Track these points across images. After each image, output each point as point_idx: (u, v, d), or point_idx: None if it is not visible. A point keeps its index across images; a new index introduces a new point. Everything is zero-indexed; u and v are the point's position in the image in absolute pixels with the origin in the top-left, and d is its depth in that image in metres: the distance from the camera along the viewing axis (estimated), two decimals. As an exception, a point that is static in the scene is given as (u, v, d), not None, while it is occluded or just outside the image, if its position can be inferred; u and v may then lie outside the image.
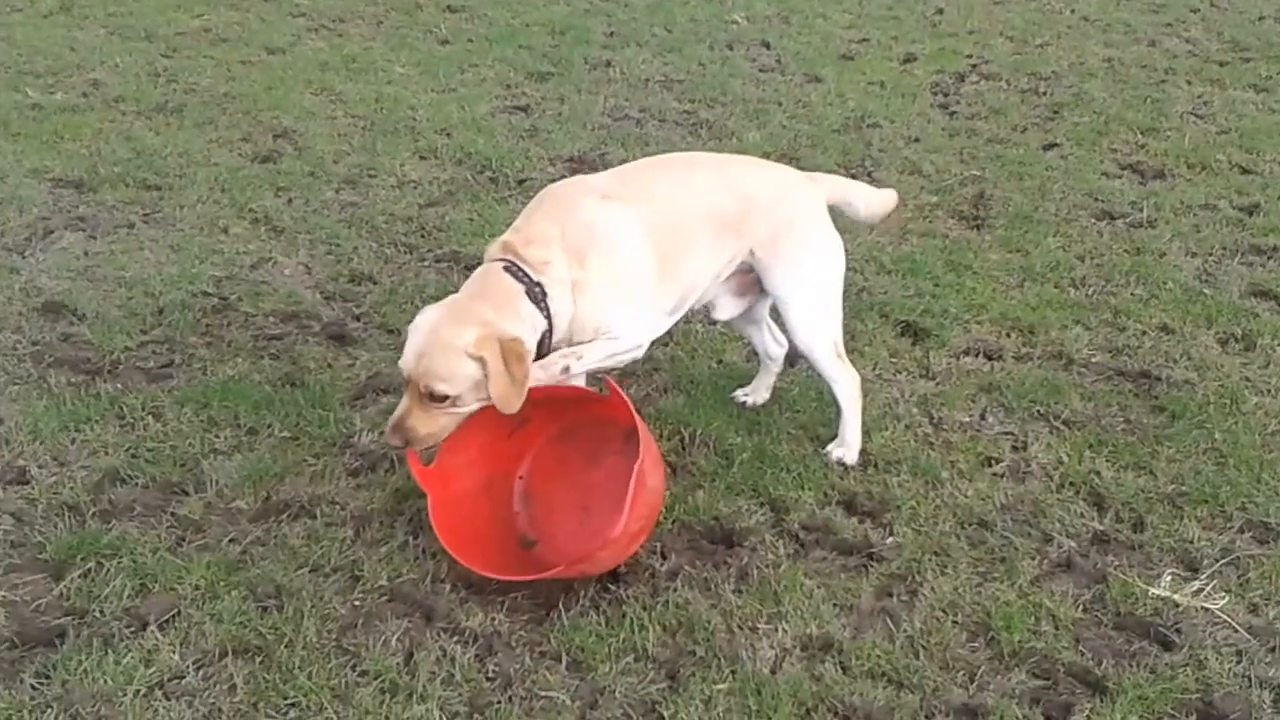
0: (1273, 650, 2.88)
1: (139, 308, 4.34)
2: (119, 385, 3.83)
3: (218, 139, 6.02)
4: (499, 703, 2.68)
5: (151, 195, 5.33)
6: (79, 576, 2.99)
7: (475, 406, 3.00)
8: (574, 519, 3.22)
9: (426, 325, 3.01)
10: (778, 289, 3.44)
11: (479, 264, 4.63)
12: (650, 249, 3.20)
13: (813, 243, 3.46)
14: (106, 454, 3.48)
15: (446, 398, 2.95)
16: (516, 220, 3.26)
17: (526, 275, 3.07)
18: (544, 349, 3.10)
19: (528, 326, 3.04)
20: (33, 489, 3.32)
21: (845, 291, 4.58)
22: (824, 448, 3.61)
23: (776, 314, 3.75)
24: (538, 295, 3.07)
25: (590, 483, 3.24)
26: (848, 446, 3.56)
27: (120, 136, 5.99)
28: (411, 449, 3.03)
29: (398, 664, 2.76)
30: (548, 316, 3.08)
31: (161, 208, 5.21)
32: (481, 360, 2.92)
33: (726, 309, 3.56)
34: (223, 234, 4.99)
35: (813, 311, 3.46)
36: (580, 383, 3.28)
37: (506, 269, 3.08)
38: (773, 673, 2.79)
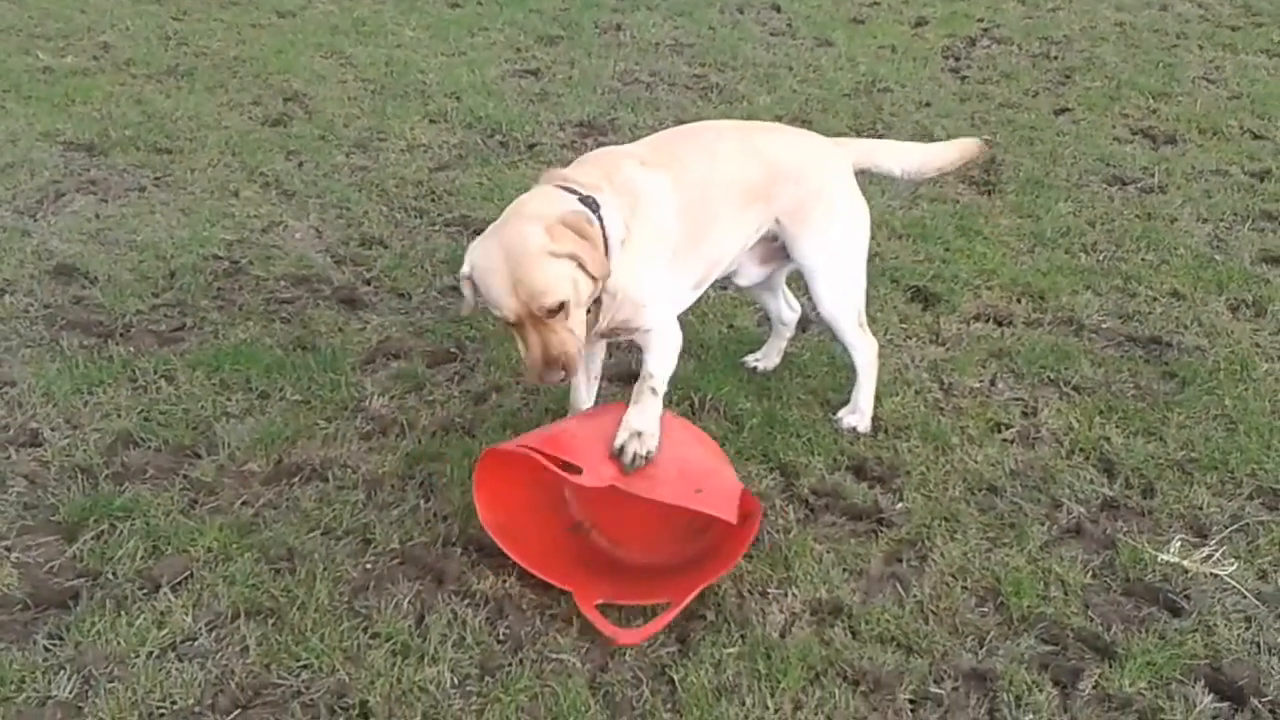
0: (1281, 616, 2.89)
1: (150, 271, 4.34)
2: (131, 348, 3.84)
3: (228, 102, 6.00)
4: (510, 665, 2.70)
5: (162, 158, 5.32)
6: (92, 538, 3.02)
7: (589, 295, 2.82)
8: (643, 505, 2.89)
9: (494, 256, 2.78)
10: (804, 258, 3.39)
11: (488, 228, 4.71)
12: (681, 221, 3.11)
13: (839, 210, 3.42)
14: (119, 417, 3.50)
15: (562, 305, 2.74)
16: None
17: (577, 191, 2.93)
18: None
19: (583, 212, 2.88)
20: (45, 451, 3.34)
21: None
22: (834, 413, 3.61)
23: (791, 280, 3.75)
24: (591, 204, 2.90)
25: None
26: (861, 414, 3.56)
27: (131, 100, 5.97)
28: (568, 377, 2.81)
29: (409, 626, 2.79)
30: (602, 224, 2.89)
31: (172, 171, 5.20)
32: (569, 254, 2.74)
33: (749, 276, 3.52)
34: (233, 197, 4.98)
35: (839, 281, 3.43)
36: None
37: (556, 187, 2.95)
38: (782, 637, 2.80)
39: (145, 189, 5.03)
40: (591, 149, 5.59)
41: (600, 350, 3.41)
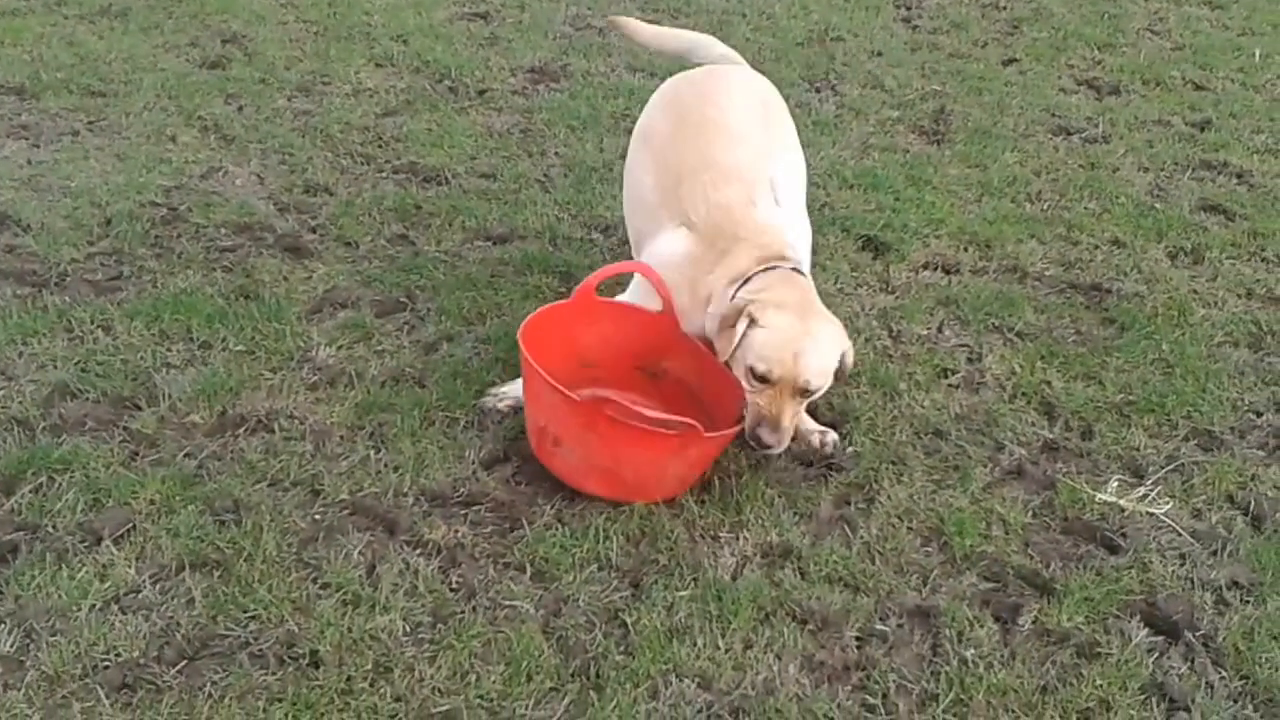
0: (1214, 553, 2.98)
1: (85, 218, 4.22)
2: (66, 298, 3.74)
3: (164, 44, 5.81)
4: (463, 613, 2.70)
5: (96, 102, 5.15)
6: (30, 491, 2.95)
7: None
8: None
9: (788, 330, 3.02)
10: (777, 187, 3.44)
11: (438, 175, 4.66)
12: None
13: (785, 126, 3.60)
14: (55, 368, 3.42)
15: (811, 392, 3.08)
16: (694, 250, 3.26)
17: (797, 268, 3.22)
18: None
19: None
20: (-19, 403, 3.26)
21: (809, 207, 4.63)
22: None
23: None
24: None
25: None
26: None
27: (63, 41, 5.76)
28: (774, 448, 3.08)
29: (359, 576, 2.77)
30: None
31: (107, 115, 5.04)
32: (847, 367, 3.16)
33: None
34: (171, 142, 4.84)
35: (798, 214, 3.50)
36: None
37: (793, 269, 3.20)
38: (733, 579, 2.84)
39: (79, 133, 4.88)
40: (543, 95, 5.57)
41: None
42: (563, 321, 3.24)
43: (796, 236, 3.32)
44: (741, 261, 3.15)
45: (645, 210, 3.45)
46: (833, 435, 3.26)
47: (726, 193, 3.26)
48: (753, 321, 3.00)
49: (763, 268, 3.13)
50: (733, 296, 3.11)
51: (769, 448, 3.04)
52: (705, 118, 3.44)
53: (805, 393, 3.05)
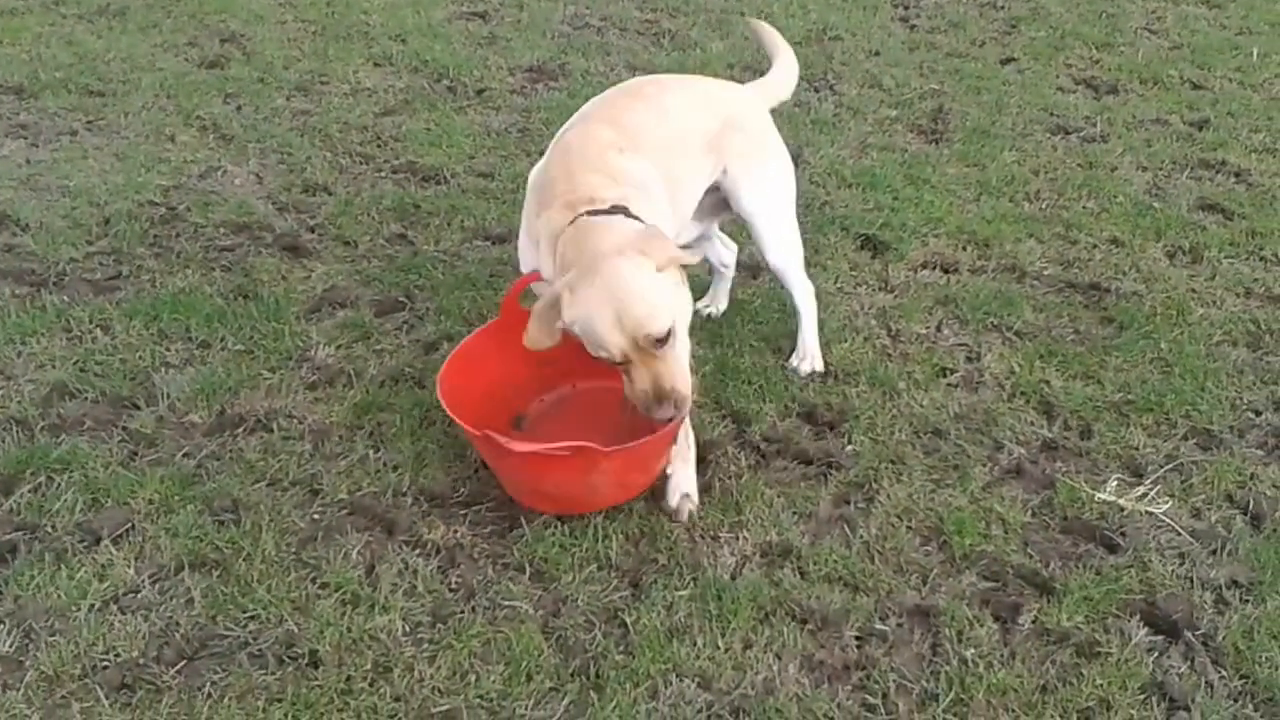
0: (1214, 552, 2.98)
1: (84, 218, 4.22)
2: (65, 297, 3.74)
3: (163, 43, 5.80)
4: (462, 613, 2.70)
5: (95, 101, 5.15)
6: (29, 491, 2.95)
7: (686, 323, 2.79)
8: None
9: (593, 297, 2.65)
10: (748, 205, 3.35)
11: (437, 175, 4.65)
12: (665, 197, 3.04)
13: (775, 155, 3.43)
14: (54, 367, 3.41)
15: (669, 334, 2.69)
16: (537, 179, 3.01)
17: (606, 209, 2.81)
18: None
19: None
20: (-21, 403, 3.26)
21: (807, 206, 4.63)
22: (786, 362, 3.63)
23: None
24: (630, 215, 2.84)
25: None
26: (814, 356, 3.60)
27: (61, 40, 5.76)
28: (678, 415, 2.75)
29: (359, 576, 2.77)
30: None
31: (105, 114, 5.04)
32: (670, 260, 2.71)
33: (687, 233, 3.43)
34: (169, 142, 4.84)
35: (783, 225, 3.43)
36: None
37: (593, 214, 2.81)
38: (733, 578, 2.84)
39: (77, 133, 4.87)
40: (541, 94, 5.57)
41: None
42: (496, 341, 3.12)
43: (649, 196, 2.95)
44: (555, 217, 2.83)
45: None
46: (691, 505, 3.00)
47: (604, 131, 3.00)
48: (559, 313, 2.69)
49: (570, 221, 2.80)
50: (555, 260, 2.83)
51: (671, 418, 2.74)
52: (641, 91, 3.24)
53: (658, 342, 2.67)
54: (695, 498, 3.04)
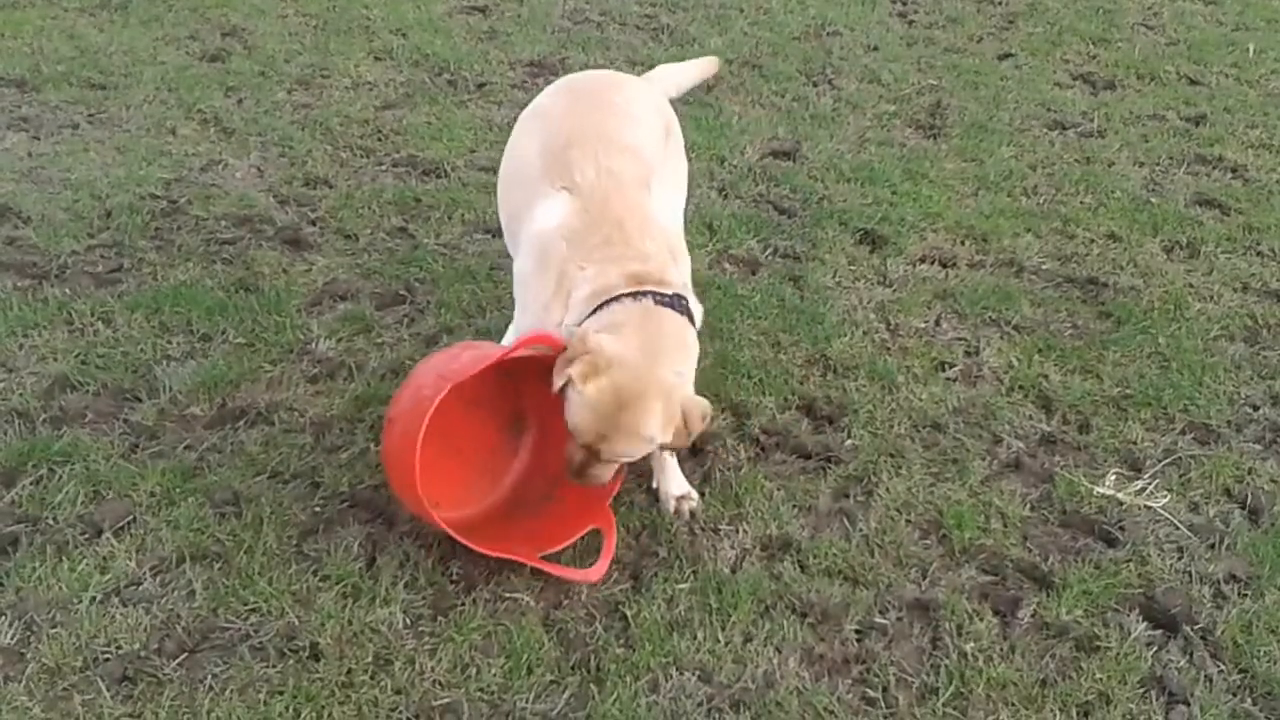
0: (1212, 547, 3.00)
1: (86, 210, 4.21)
2: (67, 290, 3.74)
3: (164, 37, 5.80)
4: (463, 605, 2.71)
5: (96, 95, 5.14)
6: (30, 483, 2.95)
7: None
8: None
9: (612, 406, 2.59)
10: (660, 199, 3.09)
11: (438, 168, 4.65)
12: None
13: (682, 149, 3.31)
14: (56, 360, 3.42)
15: (629, 457, 2.73)
16: (573, 222, 2.77)
17: (676, 300, 2.73)
18: None
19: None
20: (-19, 395, 3.26)
21: (805, 200, 4.64)
22: (784, 354, 3.64)
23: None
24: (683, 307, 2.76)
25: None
26: None
27: (63, 34, 5.75)
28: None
29: (359, 569, 2.78)
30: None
31: (107, 108, 5.03)
32: (660, 444, 2.68)
33: None
34: (171, 135, 4.84)
35: (680, 222, 3.23)
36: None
37: (661, 302, 2.69)
38: (733, 572, 2.85)
39: (79, 126, 4.87)
40: (542, 88, 5.53)
41: None
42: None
43: (679, 253, 2.91)
44: (612, 277, 2.68)
45: (524, 182, 2.96)
46: (692, 503, 3.00)
47: (622, 161, 2.85)
48: (571, 382, 2.59)
49: (631, 292, 2.67)
50: (590, 313, 2.70)
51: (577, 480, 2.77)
52: (608, 100, 3.12)
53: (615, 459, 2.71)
54: (694, 494, 3.04)
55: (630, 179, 2.84)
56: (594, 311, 2.68)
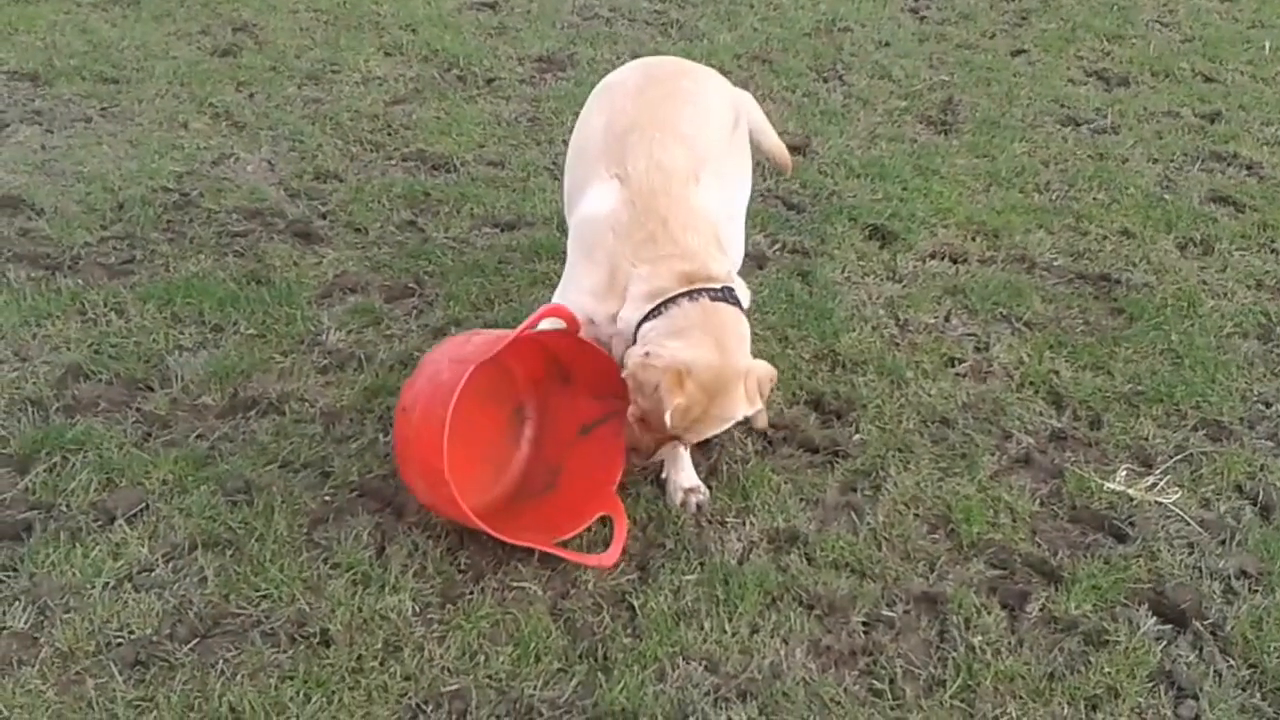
0: (1223, 543, 2.99)
1: (98, 203, 4.24)
2: (80, 281, 3.76)
3: (175, 31, 5.83)
4: (471, 593, 2.72)
5: (109, 89, 5.17)
6: (44, 471, 2.98)
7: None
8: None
9: (697, 386, 2.72)
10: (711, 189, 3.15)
11: (447, 163, 4.66)
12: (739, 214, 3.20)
13: (747, 146, 3.36)
14: (69, 349, 3.44)
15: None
16: (614, 216, 2.87)
17: (719, 290, 2.84)
18: None
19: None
20: (-6, 384, 3.28)
21: (815, 195, 4.64)
22: (792, 349, 3.64)
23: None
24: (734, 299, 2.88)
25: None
26: None
27: (76, 28, 5.79)
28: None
29: (369, 557, 2.79)
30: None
31: (119, 101, 5.06)
32: (732, 420, 2.84)
33: None
34: (182, 129, 4.87)
35: (741, 220, 3.30)
36: None
37: (715, 298, 2.82)
38: (740, 564, 2.85)
39: (91, 119, 4.90)
40: (551, 84, 5.58)
41: None
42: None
43: (728, 241, 3.02)
44: (665, 278, 2.81)
45: (585, 159, 3.08)
46: (700, 496, 3.03)
47: (674, 154, 2.93)
48: (669, 389, 2.69)
49: (685, 292, 2.80)
50: (647, 315, 2.81)
51: (634, 463, 2.96)
52: (679, 86, 3.19)
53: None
54: (703, 489, 3.05)
55: (680, 173, 2.93)
56: (652, 312, 2.82)
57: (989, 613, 2.74)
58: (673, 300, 2.80)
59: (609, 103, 3.17)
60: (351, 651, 2.54)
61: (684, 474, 3.05)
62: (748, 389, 2.80)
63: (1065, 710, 2.52)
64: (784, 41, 6.21)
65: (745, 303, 2.94)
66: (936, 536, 2.98)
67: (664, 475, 3.06)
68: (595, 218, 2.92)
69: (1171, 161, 5.06)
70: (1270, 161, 5.09)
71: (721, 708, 2.48)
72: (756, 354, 3.53)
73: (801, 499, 3.07)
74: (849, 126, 5.25)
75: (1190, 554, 2.95)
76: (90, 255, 3.92)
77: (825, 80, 5.78)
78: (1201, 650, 2.69)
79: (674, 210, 2.87)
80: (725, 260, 2.93)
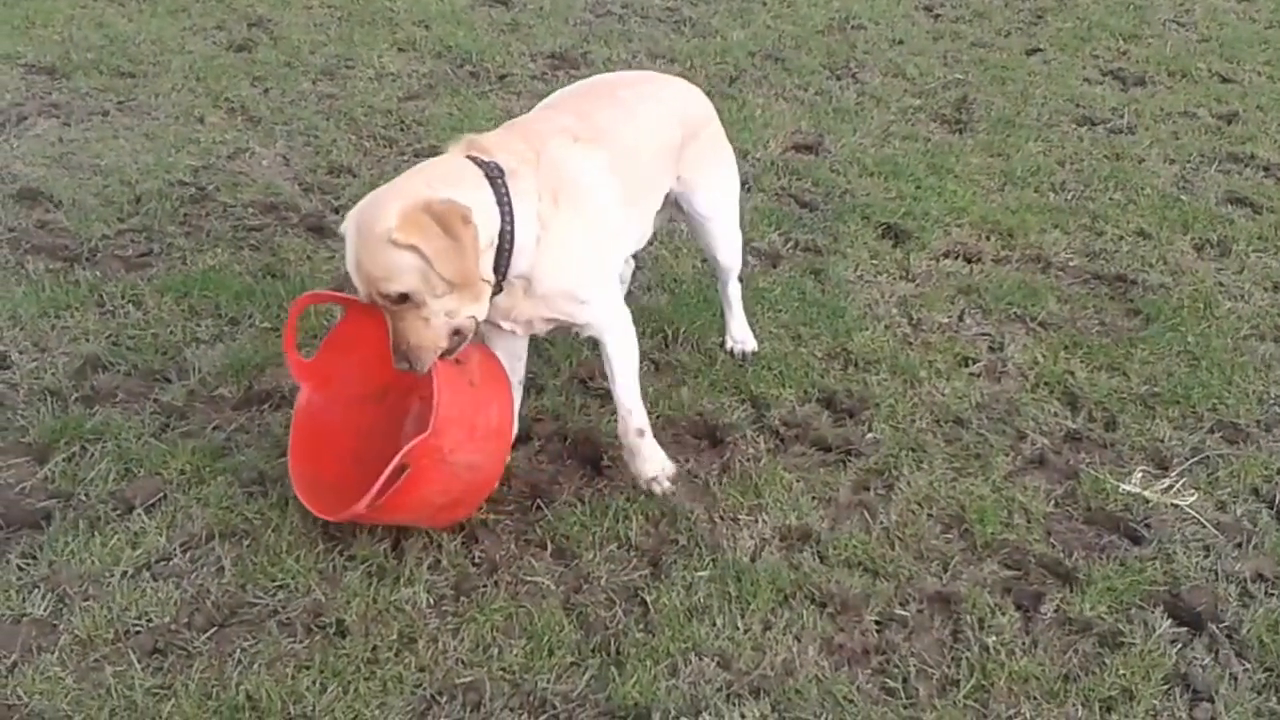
0: (1239, 545, 2.97)
1: (116, 196, 4.27)
2: (98, 273, 3.79)
3: (191, 26, 5.86)
4: (484, 587, 2.73)
5: (125, 83, 5.20)
6: (63, 460, 3.00)
7: (445, 292, 2.53)
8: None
9: (350, 226, 2.55)
10: (702, 209, 3.28)
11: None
12: (618, 200, 2.89)
13: (726, 155, 3.35)
14: (87, 340, 3.46)
15: (405, 296, 2.49)
16: (494, 134, 2.84)
17: (488, 163, 2.64)
18: (502, 266, 2.65)
19: (478, 202, 2.56)
20: (13, 374, 3.31)
21: (827, 194, 4.64)
22: (805, 347, 3.64)
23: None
24: (500, 185, 2.62)
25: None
26: (748, 336, 3.61)
27: (92, 23, 5.82)
28: (415, 370, 2.59)
29: (385, 549, 2.80)
30: (509, 216, 2.62)
31: (136, 95, 5.09)
32: (411, 247, 2.44)
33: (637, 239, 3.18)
34: (198, 123, 4.89)
35: (732, 225, 3.39)
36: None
37: (466, 158, 2.67)
38: (752, 561, 2.85)
39: (108, 113, 4.93)
40: (565, 82, 5.58)
41: (522, 352, 3.10)
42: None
43: (579, 168, 2.79)
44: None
45: None
46: (663, 480, 3.01)
47: (565, 119, 2.88)
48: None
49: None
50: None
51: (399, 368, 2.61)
52: (613, 91, 3.14)
53: (400, 299, 2.50)
54: (667, 469, 3.01)
55: (561, 126, 2.83)
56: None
57: (1003, 613, 2.74)
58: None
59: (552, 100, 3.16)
60: (367, 642, 2.55)
61: (647, 464, 3.00)
62: (405, 209, 2.46)
63: (1080, 712, 2.52)
64: (797, 39, 6.21)
65: (522, 214, 2.64)
66: (950, 536, 2.98)
67: (633, 472, 3.03)
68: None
69: (1188, 162, 5.04)
70: (1287, 163, 5.07)
71: (734, 704, 2.49)
72: (768, 353, 3.58)
73: (814, 497, 3.07)
74: (862, 125, 5.24)
75: (1206, 557, 2.94)
76: (108, 248, 3.94)
77: (838, 78, 5.78)
78: (1217, 653, 2.68)
79: (522, 130, 2.82)
80: (529, 175, 2.68)
